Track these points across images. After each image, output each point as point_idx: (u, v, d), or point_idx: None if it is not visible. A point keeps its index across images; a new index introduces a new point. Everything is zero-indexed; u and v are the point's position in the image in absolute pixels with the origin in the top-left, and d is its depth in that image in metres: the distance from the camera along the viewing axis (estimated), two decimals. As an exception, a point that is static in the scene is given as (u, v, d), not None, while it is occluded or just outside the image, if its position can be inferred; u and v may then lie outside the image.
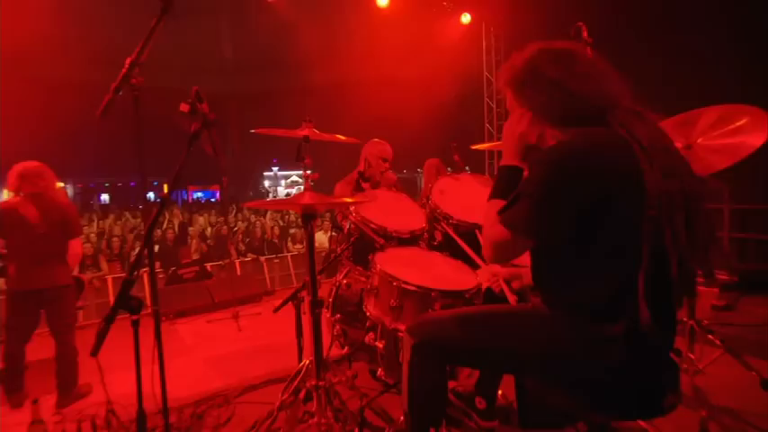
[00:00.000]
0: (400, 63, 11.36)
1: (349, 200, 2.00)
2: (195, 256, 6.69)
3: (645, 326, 1.10)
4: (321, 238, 8.41)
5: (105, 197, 21.20)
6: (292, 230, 9.06)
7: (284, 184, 27.01)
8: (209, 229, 8.90)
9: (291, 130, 2.08)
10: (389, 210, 2.51)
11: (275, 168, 26.43)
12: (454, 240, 2.20)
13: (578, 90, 1.18)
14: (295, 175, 25.22)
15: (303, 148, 2.00)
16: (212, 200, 21.02)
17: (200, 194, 22.26)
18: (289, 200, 1.95)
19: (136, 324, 1.44)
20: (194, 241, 7.40)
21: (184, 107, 1.38)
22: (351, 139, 2.27)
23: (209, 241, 7.67)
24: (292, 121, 2.18)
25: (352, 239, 2.38)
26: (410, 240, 2.38)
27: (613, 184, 1.10)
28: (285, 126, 2.14)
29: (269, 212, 9.12)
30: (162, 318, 4.67)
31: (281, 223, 9.29)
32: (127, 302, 1.34)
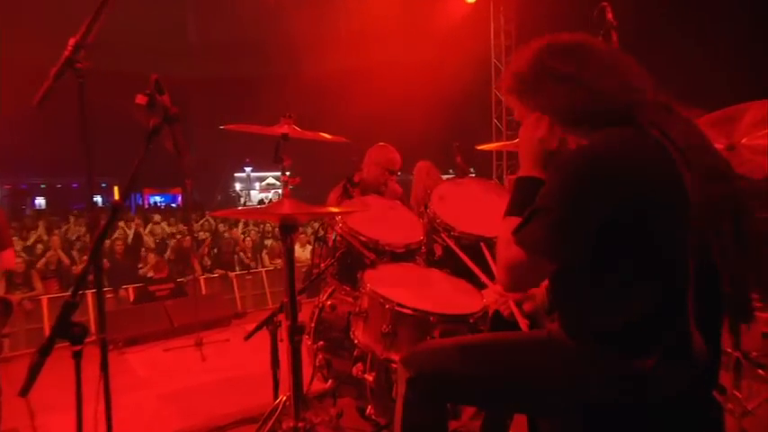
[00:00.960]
0: (395, 49, 11.43)
1: (335, 209, 2.00)
2: (150, 273, 6.63)
3: (698, 357, 1.10)
4: (299, 253, 8.39)
5: (40, 201, 20.69)
6: (268, 242, 9.03)
7: (259, 187, 26.99)
8: (170, 241, 8.84)
9: (267, 126, 2.08)
10: (382, 220, 2.51)
11: (248, 169, 26.41)
12: (456, 255, 2.21)
13: (597, 85, 1.18)
14: (271, 177, 25.22)
15: (281, 147, 2.01)
16: (173, 205, 20.91)
17: (158, 199, 22.14)
18: (264, 209, 1.96)
19: (78, 355, 1.41)
20: (150, 255, 7.32)
21: (141, 99, 1.37)
22: (337, 138, 2.28)
23: (168, 255, 7.61)
24: (270, 115, 2.19)
25: (337, 254, 2.38)
26: (405, 255, 2.39)
27: (647, 193, 1.10)
28: (261, 122, 2.15)
29: (241, 221, 9.09)
30: (110, 346, 4.57)
31: (256, 233, 9.26)
32: (67, 329, 1.31)
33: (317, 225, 3.04)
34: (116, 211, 1.41)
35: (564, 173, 1.14)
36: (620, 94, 1.19)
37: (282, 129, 2.06)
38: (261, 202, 22.19)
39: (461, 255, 2.17)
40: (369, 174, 3.20)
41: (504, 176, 9.39)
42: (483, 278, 1.99)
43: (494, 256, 2.05)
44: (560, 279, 1.25)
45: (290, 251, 1.77)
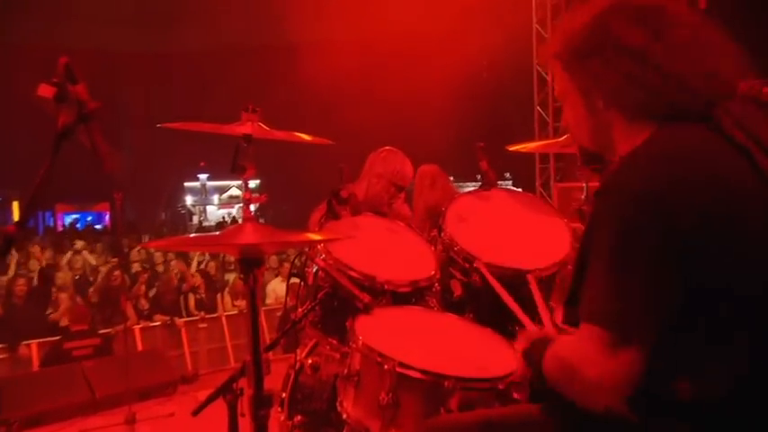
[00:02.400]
0: (402, 15, 11.50)
1: (315, 236, 2.03)
2: (64, 322, 6.61)
3: None
4: (278, 289, 8.40)
5: None
6: (231, 277, 9.05)
7: (218, 200, 27.01)
8: (93, 277, 8.86)
9: (224, 124, 2.13)
10: (379, 248, 2.54)
11: (203, 177, 26.52)
12: (482, 296, 2.23)
13: (674, 67, 1.21)
14: (235, 188, 25.42)
15: (242, 152, 2.05)
16: (97, 227, 20.92)
17: (75, 218, 22.13)
18: (218, 238, 1.98)
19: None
20: (64, 296, 7.32)
21: (46, 91, 1.40)
22: (319, 140, 2.32)
23: (90, 296, 7.65)
24: (229, 108, 2.23)
25: (320, 295, 2.39)
26: (412, 296, 2.41)
27: (735, 220, 1.13)
28: (215, 118, 2.20)
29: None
30: (2, 430, 4.52)
31: (213, 264, 9.30)
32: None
33: (293, 256, 3.08)
34: (11, 242, 1.43)
35: (616, 203, 1.17)
36: (703, 83, 1.21)
37: (244, 127, 2.09)
38: (221, 222, 22.33)
39: (496, 286, 2.20)
40: (369, 188, 3.26)
41: (552, 185, 9.44)
42: (523, 320, 2.01)
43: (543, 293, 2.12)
44: None
45: (254, 294, 1.79)
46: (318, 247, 2.42)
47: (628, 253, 1.14)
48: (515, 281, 2.28)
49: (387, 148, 3.39)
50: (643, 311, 1.12)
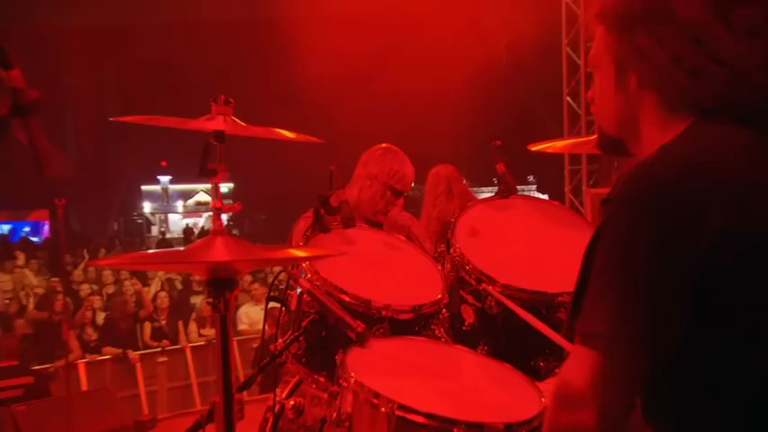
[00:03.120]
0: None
1: (298, 252, 2.05)
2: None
3: None
4: (251, 313, 8.38)
5: None
6: (197, 300, 9.02)
7: (182, 207, 26.90)
8: (29, 301, 8.85)
9: (190, 118, 2.14)
10: (375, 266, 2.57)
11: (164, 179, 26.43)
12: (498, 323, 2.27)
13: (732, 54, 1.22)
14: (203, 192, 25.34)
15: (213, 152, 2.07)
16: (34, 239, 20.84)
17: (5, 229, 21.99)
18: (180, 255, 1.99)
19: None
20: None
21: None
22: (305, 138, 2.34)
23: (23, 326, 7.63)
24: (198, 98, 2.25)
25: (304, 323, 2.40)
26: (415, 324, 2.43)
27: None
28: (181, 110, 2.21)
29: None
30: None
31: (178, 287, 9.28)
32: None
33: (273, 276, 3.09)
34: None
35: (628, 213, 1.19)
36: (765, 78, 1.22)
37: (214, 122, 2.11)
38: (187, 232, 22.30)
39: (520, 311, 2.22)
40: (361, 192, 3.29)
41: (584, 190, 9.48)
42: (567, 345, 2.02)
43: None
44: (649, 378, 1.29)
45: (225, 322, 1.80)
46: (303, 265, 2.44)
47: (625, 276, 1.17)
48: (540, 307, 2.30)
49: (384, 145, 3.42)
50: (641, 337, 1.16)
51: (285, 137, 2.39)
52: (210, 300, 1.80)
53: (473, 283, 2.39)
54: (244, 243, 1.88)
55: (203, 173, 2.05)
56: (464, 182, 4.44)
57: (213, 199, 2.05)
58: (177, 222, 25.20)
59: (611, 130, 1.44)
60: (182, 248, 2.16)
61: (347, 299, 2.37)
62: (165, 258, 2.32)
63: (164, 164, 24.72)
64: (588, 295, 1.21)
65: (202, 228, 23.40)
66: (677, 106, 1.28)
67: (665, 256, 1.14)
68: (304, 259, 2.37)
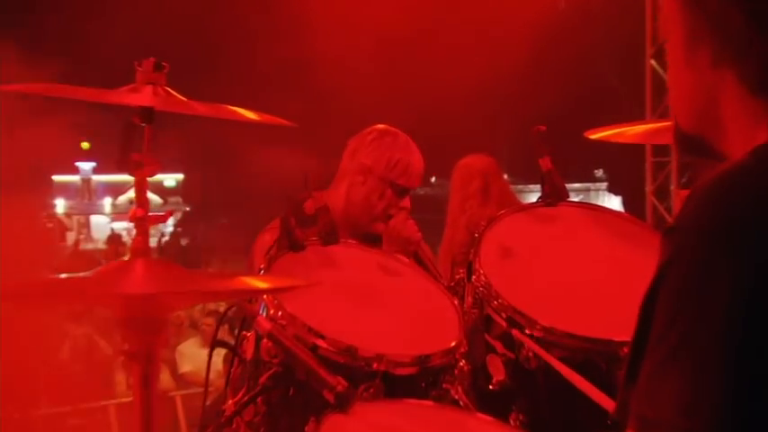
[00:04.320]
0: None
1: (259, 282, 2.03)
2: None
3: None
4: (196, 358, 8.39)
5: None
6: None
7: (111, 206, 26.78)
8: None
9: (110, 89, 2.14)
10: (366, 300, 2.57)
11: (85, 167, 26.36)
12: (538, 381, 2.26)
13: None
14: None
15: (134, 135, 2.06)
16: None
17: None
18: (81, 283, 1.98)
19: None
20: None
21: None
22: (273, 120, 2.34)
23: None
24: (125, 59, 2.25)
25: (263, 379, 2.40)
26: (418, 382, 2.42)
27: None
28: (105, 76, 2.21)
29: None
30: None
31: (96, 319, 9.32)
32: None
33: (222, 312, 3.09)
34: None
35: (697, 246, 1.18)
36: None
37: (140, 96, 2.11)
38: (113, 241, 22.22)
39: (562, 367, 2.20)
40: (351, 193, 3.29)
41: (672, 191, 9.46)
42: None
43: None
44: None
45: (146, 381, 1.80)
46: (264, 298, 2.43)
47: (698, 340, 1.15)
48: (597, 361, 2.29)
49: (379, 126, 3.40)
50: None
51: (243, 118, 2.38)
52: (126, 347, 1.79)
53: (503, 324, 2.36)
54: (175, 268, 1.87)
55: (121, 166, 2.04)
56: (504, 178, 4.42)
57: (135, 206, 2.03)
58: (103, 227, 25.07)
59: (688, 123, 1.43)
60: (88, 273, 2.12)
61: (324, 345, 2.35)
62: (57, 289, 2.24)
63: (84, 146, 24.50)
64: (648, 361, 1.20)
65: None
66: (762, 87, 1.27)
67: (756, 312, 1.12)
68: (264, 291, 2.35)
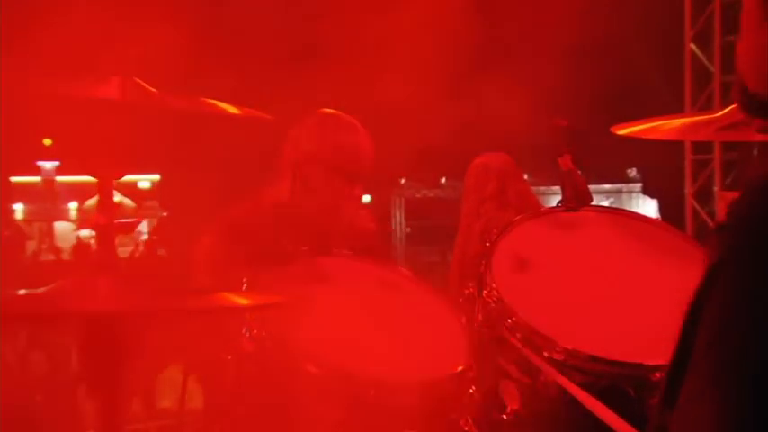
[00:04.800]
0: None
1: (243, 300, 2.03)
2: None
3: None
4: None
5: None
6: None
7: (76, 211, 26.85)
8: None
9: (73, 80, 2.16)
10: (362, 319, 2.57)
11: (47, 166, 26.44)
12: (559, 411, 2.29)
13: None
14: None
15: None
16: None
17: None
18: (35, 299, 1.97)
19: None
20: None
21: None
22: (251, 113, 2.35)
23: None
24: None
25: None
26: (421, 410, 2.41)
27: None
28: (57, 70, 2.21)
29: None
30: None
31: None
32: None
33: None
34: None
35: (735, 281, 1.18)
36: None
37: (106, 87, 2.12)
38: (79, 250, 22.11)
39: (583, 395, 2.20)
40: (297, 185, 3.27)
41: (716, 193, 9.43)
42: None
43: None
44: None
45: (110, 414, 1.81)
46: (246, 317, 2.44)
47: (748, 361, 1.15)
48: (626, 387, 2.29)
49: (320, 111, 3.38)
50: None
51: (223, 113, 2.39)
52: (87, 374, 1.80)
53: (518, 346, 2.36)
54: (145, 283, 1.88)
55: (84, 166, 2.05)
56: (524, 179, 4.42)
57: (99, 207, 2.03)
58: (68, 236, 25.00)
59: (756, 84, 1.43)
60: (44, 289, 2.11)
61: (314, 370, 2.36)
62: (12, 307, 2.23)
63: (47, 144, 24.48)
64: (688, 383, 1.21)
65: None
66: None
67: None
68: (248, 308, 2.36)
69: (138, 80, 2.19)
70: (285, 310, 2.42)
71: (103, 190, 2.05)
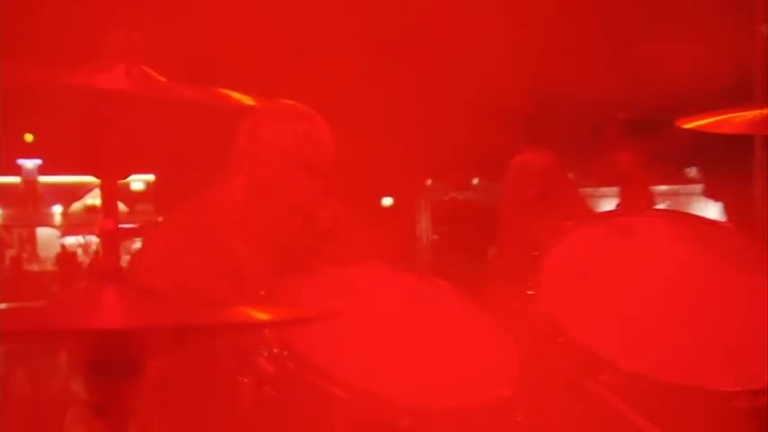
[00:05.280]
0: None
1: (260, 312, 2.05)
2: None
3: None
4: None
5: None
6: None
7: (60, 216, 26.93)
8: None
9: (66, 69, 2.16)
10: (395, 338, 2.58)
11: (28, 165, 26.53)
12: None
13: None
14: (99, 189, 25.25)
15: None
16: None
17: None
18: (36, 313, 1.97)
19: None
20: None
21: None
22: (274, 104, 2.37)
23: None
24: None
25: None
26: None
27: None
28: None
29: None
30: None
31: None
32: None
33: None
34: None
35: None
36: None
37: (109, 76, 2.13)
38: (64, 261, 22.14)
39: (645, 426, 2.21)
40: (255, 179, 3.31)
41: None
42: None
43: None
44: None
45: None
46: (266, 333, 2.46)
47: None
48: (697, 412, 2.29)
49: (281, 100, 3.38)
50: None
51: (240, 105, 2.40)
52: (90, 398, 1.80)
53: (571, 368, 2.38)
54: (156, 296, 1.88)
55: (86, 163, 2.06)
56: (570, 179, 4.42)
57: (105, 210, 2.04)
58: (52, 243, 25.02)
59: None
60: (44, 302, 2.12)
61: (342, 394, 2.37)
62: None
63: (28, 140, 24.46)
64: None
65: (97, 254, 23.23)
66: None
67: None
68: (266, 324, 2.32)
69: (145, 68, 2.21)
70: (309, 326, 2.38)
71: (108, 191, 2.06)
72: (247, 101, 2.39)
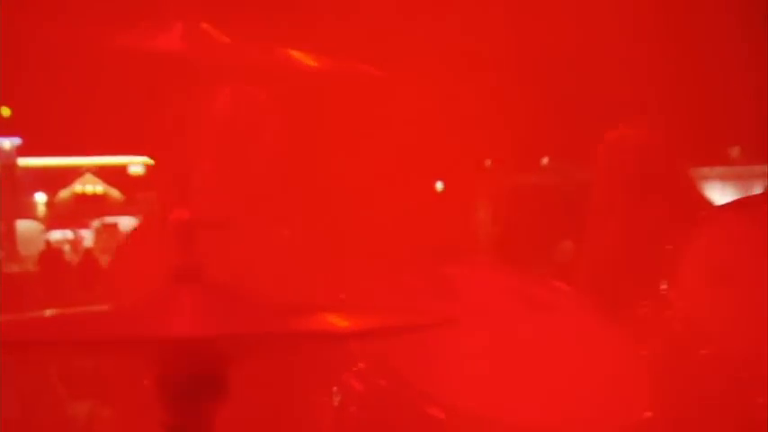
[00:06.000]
0: None
1: (345, 322, 2.07)
2: None
3: None
4: None
5: None
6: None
7: (44, 205, 26.99)
8: None
9: (109, 28, 2.20)
10: (502, 349, 2.58)
11: (6, 145, 26.51)
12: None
13: None
14: (90, 174, 25.32)
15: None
16: None
17: None
18: (83, 320, 1.98)
19: None
20: None
21: None
22: (356, 68, 2.39)
23: None
24: None
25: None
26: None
27: None
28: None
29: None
30: None
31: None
32: None
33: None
34: None
35: None
36: None
37: (166, 38, 2.16)
38: (49, 259, 22.16)
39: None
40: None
41: None
42: None
43: None
44: None
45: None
46: (351, 345, 2.47)
47: None
48: None
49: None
50: None
51: (310, 68, 2.42)
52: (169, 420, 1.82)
53: (720, 384, 2.39)
54: (240, 300, 1.89)
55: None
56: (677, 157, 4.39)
57: (180, 197, 2.06)
58: (34, 239, 25.07)
59: None
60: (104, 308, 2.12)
61: (443, 417, 2.38)
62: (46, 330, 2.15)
63: (5, 113, 24.49)
64: None
65: (89, 250, 23.27)
66: None
67: None
68: (356, 335, 2.28)
69: (207, 26, 2.22)
70: (404, 337, 2.41)
71: (182, 175, 2.07)
72: (311, 62, 2.38)
